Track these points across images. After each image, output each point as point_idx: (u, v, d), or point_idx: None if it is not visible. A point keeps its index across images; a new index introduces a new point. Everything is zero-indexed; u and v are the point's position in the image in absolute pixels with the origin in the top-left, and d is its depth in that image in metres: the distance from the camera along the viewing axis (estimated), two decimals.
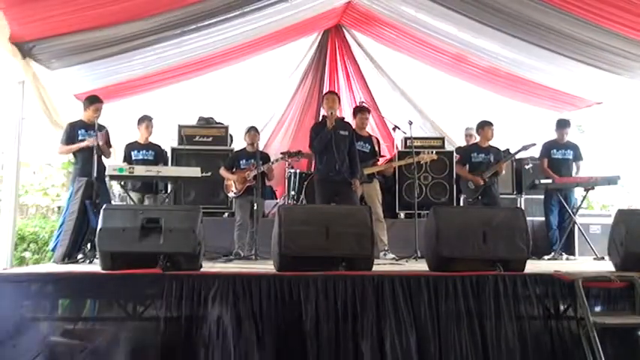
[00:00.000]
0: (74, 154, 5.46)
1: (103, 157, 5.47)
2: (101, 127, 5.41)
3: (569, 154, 6.40)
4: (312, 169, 7.98)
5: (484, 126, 6.37)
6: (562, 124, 6.51)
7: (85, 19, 4.94)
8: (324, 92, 6.12)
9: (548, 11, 5.26)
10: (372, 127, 8.17)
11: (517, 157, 6.68)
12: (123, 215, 3.68)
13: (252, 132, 6.21)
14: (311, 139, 5.54)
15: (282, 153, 6.64)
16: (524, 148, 6.28)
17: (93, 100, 5.44)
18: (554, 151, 6.42)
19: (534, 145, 6.36)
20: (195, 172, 5.62)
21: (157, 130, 6.44)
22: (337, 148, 5.34)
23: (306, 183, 6.68)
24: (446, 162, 6.85)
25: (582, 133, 7.47)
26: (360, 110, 6.19)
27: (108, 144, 5.52)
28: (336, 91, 8.99)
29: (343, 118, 5.55)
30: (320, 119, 5.96)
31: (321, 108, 8.88)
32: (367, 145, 6.02)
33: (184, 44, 6.28)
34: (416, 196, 5.95)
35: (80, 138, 5.36)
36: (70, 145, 5.40)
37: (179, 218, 3.67)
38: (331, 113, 5.42)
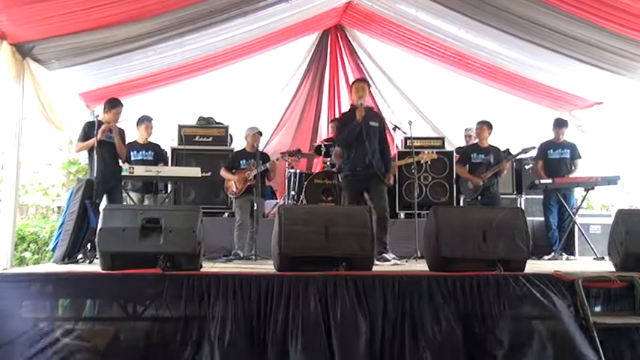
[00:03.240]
0: (90, 153, 5.45)
1: (119, 158, 5.52)
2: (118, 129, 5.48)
3: (567, 154, 6.40)
4: (312, 170, 8.01)
5: (477, 126, 6.39)
6: (559, 124, 6.51)
7: (85, 21, 4.94)
8: (353, 80, 5.57)
9: (549, 12, 5.26)
10: None
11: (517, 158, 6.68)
12: (123, 215, 3.69)
13: (258, 135, 6.19)
14: (338, 130, 5.20)
15: (281, 153, 6.65)
16: (525, 151, 6.27)
17: (115, 104, 5.47)
18: (551, 151, 6.42)
19: (534, 147, 6.36)
20: (195, 172, 5.63)
21: (157, 130, 6.44)
22: (368, 140, 5.00)
23: (306, 183, 6.68)
24: (446, 162, 6.86)
25: (582, 133, 7.47)
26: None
27: (123, 142, 5.53)
28: (336, 91, 9.03)
29: (372, 108, 5.21)
30: (348, 109, 5.50)
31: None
32: None
33: (185, 44, 6.28)
34: (416, 196, 5.95)
35: (103, 139, 5.34)
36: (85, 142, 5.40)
37: (179, 218, 3.67)
38: (360, 104, 5.05)
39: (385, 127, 5.29)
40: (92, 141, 5.25)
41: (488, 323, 3.41)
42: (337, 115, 8.51)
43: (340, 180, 5.87)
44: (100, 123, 5.33)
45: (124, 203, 6.25)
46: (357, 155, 5.04)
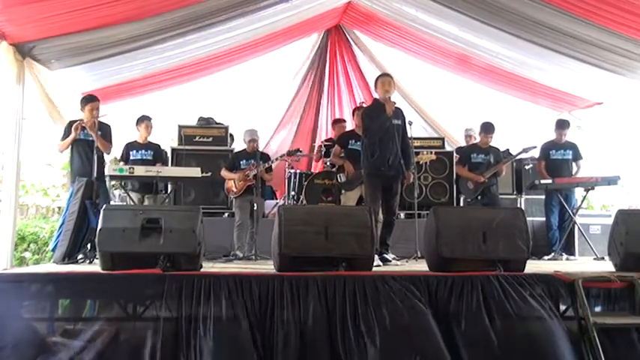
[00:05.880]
0: (71, 153, 5.46)
1: (104, 155, 5.46)
2: (103, 125, 5.42)
3: (569, 154, 6.40)
4: (313, 170, 8.01)
5: (482, 132, 6.36)
6: (561, 125, 6.50)
7: (85, 20, 4.95)
8: (379, 74, 5.40)
9: (549, 10, 5.26)
10: None
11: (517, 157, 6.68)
12: (123, 215, 3.67)
13: (252, 143, 6.16)
14: (365, 124, 5.04)
15: (280, 155, 6.65)
16: (525, 150, 6.27)
17: (88, 100, 5.40)
18: (553, 152, 6.42)
19: (535, 147, 6.36)
20: (195, 172, 5.62)
21: (157, 130, 6.44)
22: (394, 138, 4.96)
23: (306, 183, 6.68)
24: (446, 162, 6.86)
25: (582, 133, 7.46)
26: (359, 110, 6.16)
27: (105, 138, 5.42)
28: (336, 91, 9.03)
29: (394, 103, 5.06)
30: (371, 102, 5.39)
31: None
32: None
33: (185, 45, 6.29)
34: (416, 196, 5.94)
35: (81, 137, 5.35)
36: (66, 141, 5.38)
37: (179, 218, 3.66)
38: (388, 98, 4.97)
39: (406, 125, 5.25)
40: (68, 140, 5.27)
41: (488, 323, 3.40)
42: (337, 116, 8.53)
43: (341, 179, 5.85)
44: (80, 121, 5.30)
45: (115, 202, 6.30)
46: (382, 154, 4.93)
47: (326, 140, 7.47)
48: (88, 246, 4.90)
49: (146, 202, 5.98)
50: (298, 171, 7.06)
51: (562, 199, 6.19)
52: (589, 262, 5.67)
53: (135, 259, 3.52)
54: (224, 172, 6.14)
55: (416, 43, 7.61)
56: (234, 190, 6.04)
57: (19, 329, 3.25)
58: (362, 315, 3.34)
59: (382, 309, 3.36)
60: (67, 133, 5.37)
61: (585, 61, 6.05)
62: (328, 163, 6.85)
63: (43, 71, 5.31)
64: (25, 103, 5.12)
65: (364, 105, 6.88)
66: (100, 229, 3.58)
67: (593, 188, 6.10)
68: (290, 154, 6.48)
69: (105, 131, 5.46)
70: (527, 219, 3.94)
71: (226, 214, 6.72)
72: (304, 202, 6.55)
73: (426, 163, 6.59)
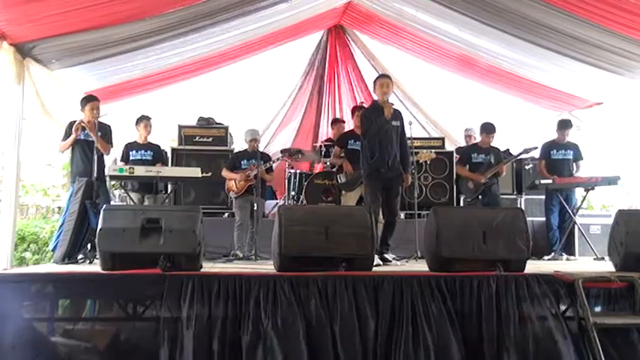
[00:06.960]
0: (72, 153, 5.46)
1: (104, 155, 5.46)
2: (103, 126, 5.41)
3: (570, 154, 6.40)
4: (314, 170, 8.01)
5: (483, 132, 6.35)
6: (563, 125, 6.50)
7: (85, 20, 4.95)
8: (377, 76, 5.43)
9: (549, 11, 5.26)
10: None
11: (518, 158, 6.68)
12: (123, 215, 3.68)
13: (253, 143, 6.17)
14: (364, 125, 5.06)
15: (281, 151, 6.63)
16: (526, 151, 6.26)
17: (88, 100, 5.41)
18: (554, 151, 6.41)
19: (536, 148, 6.35)
20: (195, 172, 5.62)
21: (157, 130, 6.43)
22: (392, 140, 4.95)
23: (306, 183, 6.68)
24: (446, 162, 6.86)
25: (582, 133, 7.47)
26: (359, 110, 6.17)
27: (105, 139, 5.42)
28: (336, 91, 9.03)
29: (392, 105, 5.08)
30: (370, 104, 5.41)
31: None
32: None
33: (185, 45, 6.29)
34: (416, 196, 5.94)
35: (81, 138, 5.35)
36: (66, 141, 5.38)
37: (179, 219, 3.66)
38: (386, 100, 4.99)
39: (404, 126, 5.25)
40: (69, 140, 5.27)
41: (488, 323, 3.40)
42: (337, 116, 8.52)
43: (340, 180, 5.85)
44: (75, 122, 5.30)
45: (115, 202, 6.29)
46: (381, 156, 4.95)
47: (326, 140, 7.47)
48: (88, 246, 4.91)
49: (146, 202, 5.98)
50: (298, 171, 7.06)
51: (562, 199, 6.19)
52: (589, 262, 5.67)
53: (135, 259, 3.52)
54: (225, 172, 6.14)
55: (416, 43, 7.61)
56: (235, 190, 6.03)
57: (19, 329, 3.25)
58: (361, 315, 3.34)
59: (382, 309, 3.37)
60: (67, 133, 5.37)
61: (585, 62, 6.05)
62: (328, 164, 6.86)
63: (42, 73, 5.30)
64: (25, 103, 5.12)
65: (364, 105, 6.90)
66: (100, 229, 3.59)
67: (593, 188, 6.10)
68: (291, 154, 6.48)
69: (105, 132, 5.46)
70: (527, 219, 3.94)
71: (226, 214, 6.72)
72: (304, 202, 6.55)
73: (426, 162, 6.59)
